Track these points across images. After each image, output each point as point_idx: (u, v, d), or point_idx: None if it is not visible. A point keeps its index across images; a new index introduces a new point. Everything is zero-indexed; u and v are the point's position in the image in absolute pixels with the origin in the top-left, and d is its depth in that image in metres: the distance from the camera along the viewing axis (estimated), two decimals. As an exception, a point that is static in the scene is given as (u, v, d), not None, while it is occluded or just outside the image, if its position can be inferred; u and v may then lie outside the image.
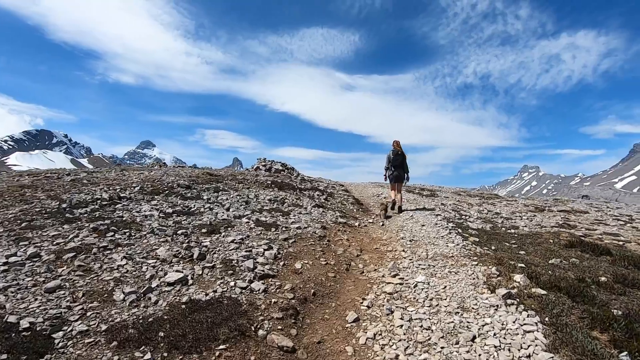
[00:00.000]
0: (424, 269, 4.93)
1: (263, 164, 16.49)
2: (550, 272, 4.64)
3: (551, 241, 6.78)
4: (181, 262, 4.28)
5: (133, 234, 4.99)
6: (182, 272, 3.96)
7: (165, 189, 8.11)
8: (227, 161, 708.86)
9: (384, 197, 11.09)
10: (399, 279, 4.58)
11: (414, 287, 4.31)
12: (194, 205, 7.01)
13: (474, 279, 4.46)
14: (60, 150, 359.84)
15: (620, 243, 7.10)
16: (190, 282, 3.84)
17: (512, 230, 7.95)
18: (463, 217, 9.26)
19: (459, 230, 7.16)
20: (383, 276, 4.76)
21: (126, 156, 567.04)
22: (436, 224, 7.75)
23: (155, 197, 7.36)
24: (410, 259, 5.39)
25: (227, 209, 7.06)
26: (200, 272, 4.06)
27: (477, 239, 6.49)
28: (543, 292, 3.93)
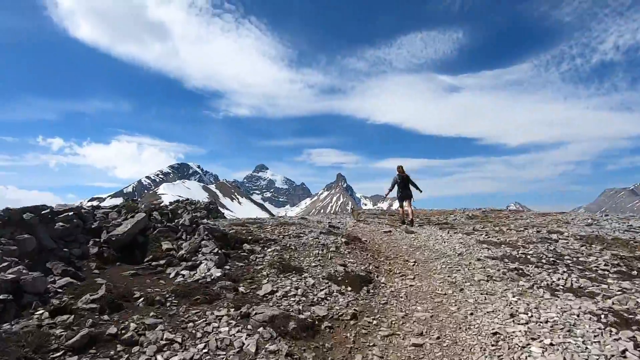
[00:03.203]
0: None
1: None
2: None
3: None
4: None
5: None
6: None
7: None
8: (332, 177, 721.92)
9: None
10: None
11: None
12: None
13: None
14: (195, 179, 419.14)
15: None
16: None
17: None
18: None
19: None
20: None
21: (245, 179, 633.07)
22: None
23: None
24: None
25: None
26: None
27: None
28: None
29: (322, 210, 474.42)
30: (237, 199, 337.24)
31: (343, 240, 7.46)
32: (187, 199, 16.15)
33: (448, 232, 9.03)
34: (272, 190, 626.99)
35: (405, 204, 11.18)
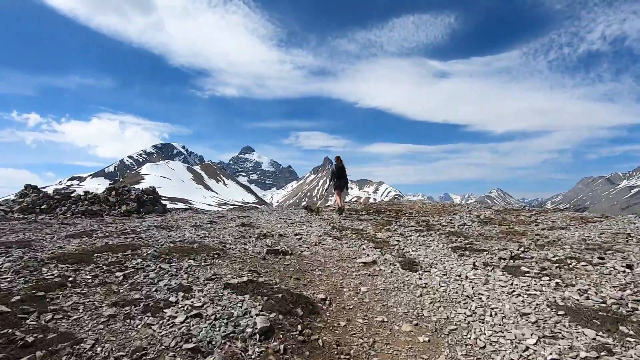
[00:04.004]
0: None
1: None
2: None
3: None
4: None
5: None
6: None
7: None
8: (319, 161, 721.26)
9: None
10: None
11: None
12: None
13: None
14: (180, 160, 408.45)
15: None
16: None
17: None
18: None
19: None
20: None
21: (231, 161, 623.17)
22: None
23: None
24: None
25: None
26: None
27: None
28: None
29: (304, 197, 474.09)
30: (223, 180, 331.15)
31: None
32: (123, 187, 13.20)
33: (475, 267, 5.43)
34: (258, 172, 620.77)
35: (338, 192, 11.65)
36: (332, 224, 9.38)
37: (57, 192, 11.71)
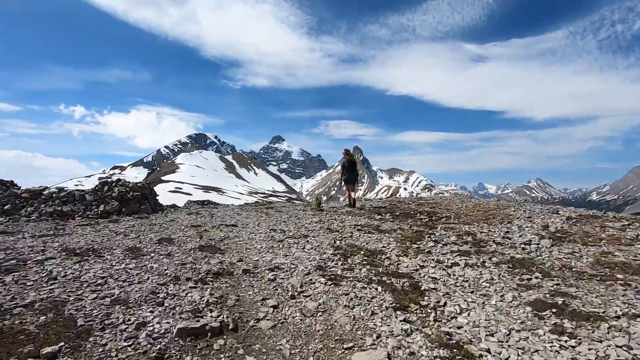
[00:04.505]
0: None
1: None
2: None
3: None
4: None
5: None
6: None
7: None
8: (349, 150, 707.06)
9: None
10: None
11: None
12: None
13: None
14: (212, 150, 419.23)
15: None
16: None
17: None
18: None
19: None
20: None
21: (261, 151, 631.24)
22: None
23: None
24: None
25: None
26: None
27: None
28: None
29: (332, 185, 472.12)
30: (254, 169, 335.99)
31: None
32: (117, 182, 11.36)
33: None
34: (288, 161, 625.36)
35: (350, 187, 11.35)
36: (337, 241, 6.76)
37: (27, 190, 10.10)
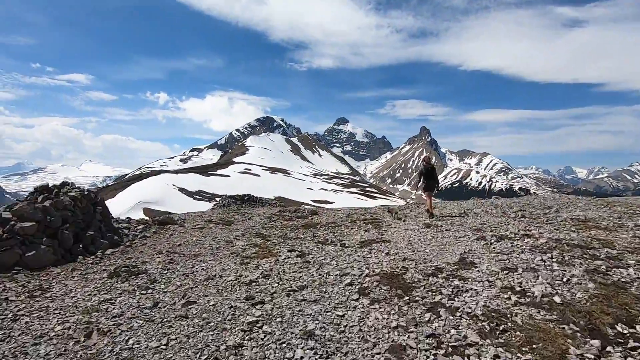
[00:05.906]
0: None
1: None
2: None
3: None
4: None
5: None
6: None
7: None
8: (415, 131, 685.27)
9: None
10: None
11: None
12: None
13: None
14: (279, 132, 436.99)
15: None
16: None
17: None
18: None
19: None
20: None
21: (326, 132, 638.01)
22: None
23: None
24: None
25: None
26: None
27: None
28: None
29: (398, 168, 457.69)
30: (318, 151, 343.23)
31: None
32: (61, 187, 8.23)
33: None
34: (352, 143, 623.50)
35: (427, 194, 11.34)
36: None
37: None
